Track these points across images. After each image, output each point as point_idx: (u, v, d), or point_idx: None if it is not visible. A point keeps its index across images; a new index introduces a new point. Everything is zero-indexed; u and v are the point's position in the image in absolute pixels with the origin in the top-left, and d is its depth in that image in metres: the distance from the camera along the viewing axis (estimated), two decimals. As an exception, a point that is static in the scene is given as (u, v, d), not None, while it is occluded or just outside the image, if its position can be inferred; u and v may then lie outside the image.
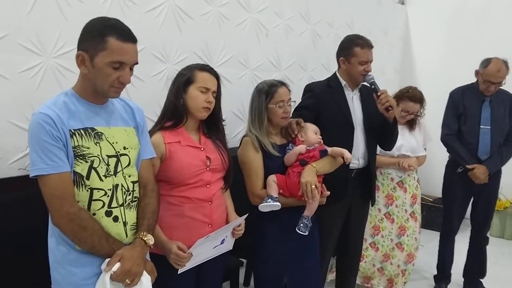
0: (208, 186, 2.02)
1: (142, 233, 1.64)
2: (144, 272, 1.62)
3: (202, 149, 2.04)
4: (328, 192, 2.31)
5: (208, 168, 2.02)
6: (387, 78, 5.19)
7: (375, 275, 3.44)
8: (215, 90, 2.03)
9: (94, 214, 1.56)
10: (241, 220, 2.09)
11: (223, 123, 2.17)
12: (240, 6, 3.30)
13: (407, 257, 3.41)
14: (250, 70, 3.43)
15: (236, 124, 3.31)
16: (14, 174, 2.19)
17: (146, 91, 2.71)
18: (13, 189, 2.13)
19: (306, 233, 2.23)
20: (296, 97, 2.79)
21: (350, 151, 2.60)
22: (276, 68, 3.68)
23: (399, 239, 3.36)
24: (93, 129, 1.57)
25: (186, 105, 2.00)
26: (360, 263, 3.37)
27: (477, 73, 3.25)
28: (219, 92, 2.07)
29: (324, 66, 4.03)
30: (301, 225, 2.22)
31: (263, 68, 3.54)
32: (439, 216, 4.10)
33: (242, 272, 3.49)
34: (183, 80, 1.99)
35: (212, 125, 2.12)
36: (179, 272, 1.91)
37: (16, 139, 2.17)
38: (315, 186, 2.17)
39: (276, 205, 2.19)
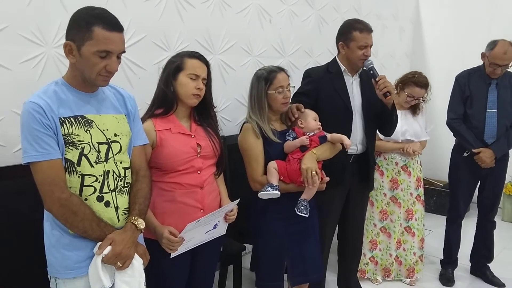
0: (199, 172, 2.04)
1: (133, 218, 1.68)
2: (136, 255, 1.66)
3: (192, 136, 2.05)
4: (328, 178, 2.32)
5: (198, 155, 2.04)
6: (397, 62, 5.12)
7: (394, 267, 3.42)
8: (205, 77, 2.04)
9: (86, 199, 1.60)
10: (233, 205, 2.11)
11: (215, 109, 2.17)
12: (242, -8, 3.28)
13: (420, 242, 3.41)
14: (253, 56, 3.43)
15: (240, 111, 3.32)
16: (18, 162, 2.24)
17: (148, 79, 2.73)
18: (17, 176, 2.18)
19: (307, 215, 2.25)
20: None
21: (349, 137, 2.59)
22: (281, 54, 3.67)
23: (408, 223, 3.36)
24: (83, 117, 1.61)
25: (176, 92, 2.02)
26: (375, 252, 3.40)
27: (483, 55, 3.19)
28: (209, 79, 2.08)
29: (330, 51, 3.98)
30: (302, 207, 2.24)
31: (267, 54, 3.54)
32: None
33: (248, 257, 3.54)
34: (173, 67, 2.01)
35: (204, 112, 2.13)
36: (171, 256, 1.95)
37: (20, 129, 2.22)
38: (316, 172, 2.19)
39: (276, 194, 2.21)
